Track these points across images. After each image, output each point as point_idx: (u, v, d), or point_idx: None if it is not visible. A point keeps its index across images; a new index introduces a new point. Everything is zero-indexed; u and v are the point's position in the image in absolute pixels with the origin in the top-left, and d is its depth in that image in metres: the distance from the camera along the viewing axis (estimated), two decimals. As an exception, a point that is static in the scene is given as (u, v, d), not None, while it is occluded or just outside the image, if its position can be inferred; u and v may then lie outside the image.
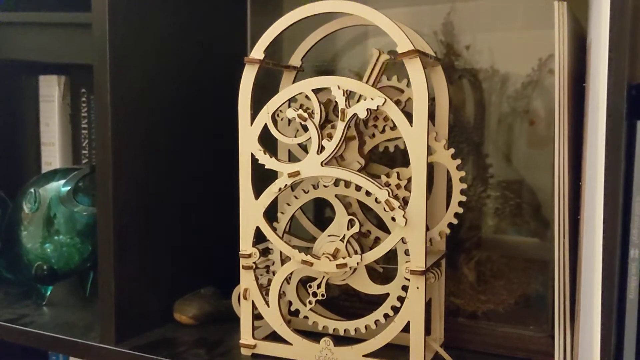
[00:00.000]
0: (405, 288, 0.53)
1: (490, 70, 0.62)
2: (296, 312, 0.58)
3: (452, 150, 0.57)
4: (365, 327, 0.55)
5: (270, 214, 0.58)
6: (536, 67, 0.60)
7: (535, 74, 0.60)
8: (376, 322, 0.55)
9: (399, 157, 0.63)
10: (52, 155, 0.88)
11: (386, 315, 0.54)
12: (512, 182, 0.62)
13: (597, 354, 0.41)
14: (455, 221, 0.58)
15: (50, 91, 0.87)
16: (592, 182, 0.43)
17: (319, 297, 0.56)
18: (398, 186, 0.55)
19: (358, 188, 0.55)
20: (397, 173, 0.55)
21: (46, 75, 0.87)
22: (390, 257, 0.55)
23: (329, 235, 0.56)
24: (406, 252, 0.53)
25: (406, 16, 0.64)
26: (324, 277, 0.56)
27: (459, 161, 0.57)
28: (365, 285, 0.55)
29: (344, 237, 0.55)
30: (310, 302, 0.56)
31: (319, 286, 0.56)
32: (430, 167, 0.59)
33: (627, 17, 0.40)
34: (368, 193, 0.54)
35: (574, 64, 0.47)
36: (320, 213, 0.69)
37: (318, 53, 0.67)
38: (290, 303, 0.59)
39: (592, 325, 0.42)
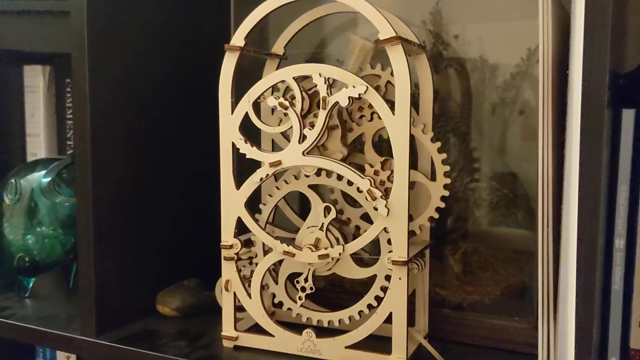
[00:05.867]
0: (388, 278, 0.52)
1: (479, 60, 0.61)
2: (280, 304, 0.58)
3: (431, 134, 0.57)
4: (350, 317, 0.55)
5: (255, 204, 0.57)
6: (525, 57, 0.59)
7: (524, 64, 0.59)
8: (360, 313, 0.54)
9: (385, 147, 0.62)
10: (38, 146, 0.87)
11: (370, 306, 0.54)
12: (499, 172, 0.62)
13: (571, 346, 0.40)
14: (443, 204, 0.57)
15: (35, 81, 0.86)
16: (569, 170, 0.43)
17: (308, 291, 0.55)
18: (382, 182, 0.55)
19: (340, 178, 0.54)
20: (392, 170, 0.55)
21: (31, 66, 0.86)
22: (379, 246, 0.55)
23: (308, 227, 0.55)
24: (389, 242, 0.52)
25: (395, 5, 0.64)
26: (309, 269, 0.55)
27: (439, 144, 0.57)
28: (352, 271, 0.55)
29: (322, 225, 0.54)
30: (300, 298, 0.56)
31: (306, 280, 0.55)
32: (415, 157, 0.58)
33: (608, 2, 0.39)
34: (350, 183, 0.53)
35: (560, 54, 0.46)
36: (305, 204, 0.69)
37: (306, 41, 0.66)
38: (274, 295, 0.58)
39: (568, 316, 0.41)
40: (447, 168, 0.57)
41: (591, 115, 0.40)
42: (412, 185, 0.58)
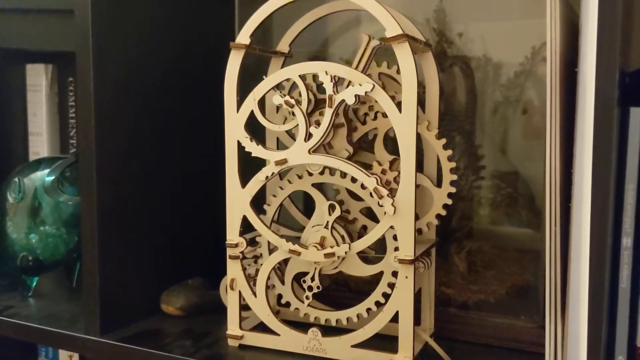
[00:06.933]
0: (395, 274, 0.52)
1: (483, 58, 0.61)
2: (287, 304, 0.57)
3: (443, 141, 0.56)
4: (357, 315, 0.55)
5: (259, 205, 0.57)
6: (529, 55, 0.59)
7: (528, 62, 0.59)
8: (368, 310, 0.54)
9: (390, 146, 0.62)
10: (40, 145, 0.87)
11: (377, 303, 0.54)
12: (504, 171, 0.62)
13: (583, 346, 0.40)
14: (444, 212, 0.57)
15: (38, 80, 0.86)
16: (580, 169, 0.42)
17: (315, 291, 0.55)
18: (388, 182, 0.55)
19: (344, 176, 0.54)
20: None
21: (33, 64, 0.85)
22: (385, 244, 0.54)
23: (313, 226, 0.55)
24: (395, 238, 0.52)
25: (398, 3, 0.63)
26: (315, 268, 0.55)
27: (444, 140, 0.56)
28: (358, 269, 0.54)
29: (327, 223, 0.54)
30: (307, 298, 0.55)
31: (312, 279, 0.55)
32: (421, 156, 0.58)
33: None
34: (354, 181, 0.53)
35: (566, 51, 0.46)
36: (310, 202, 0.68)
37: (310, 39, 0.66)
38: (280, 295, 0.58)
39: (580, 315, 0.41)
40: (454, 177, 0.56)
41: (602, 113, 0.40)
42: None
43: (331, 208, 0.54)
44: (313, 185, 0.56)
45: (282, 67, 0.61)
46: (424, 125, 0.57)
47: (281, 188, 0.57)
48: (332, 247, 0.53)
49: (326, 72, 0.51)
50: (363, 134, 0.59)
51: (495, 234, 0.62)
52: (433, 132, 0.56)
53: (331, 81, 0.51)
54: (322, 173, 0.55)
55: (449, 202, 0.57)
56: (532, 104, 0.60)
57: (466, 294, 0.62)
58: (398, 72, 0.58)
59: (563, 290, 0.46)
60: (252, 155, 0.54)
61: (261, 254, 0.58)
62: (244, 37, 0.54)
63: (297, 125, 0.53)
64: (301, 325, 0.56)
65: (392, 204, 0.50)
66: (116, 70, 0.60)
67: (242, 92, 0.55)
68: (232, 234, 0.56)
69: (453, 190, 0.56)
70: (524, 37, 0.59)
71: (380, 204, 0.51)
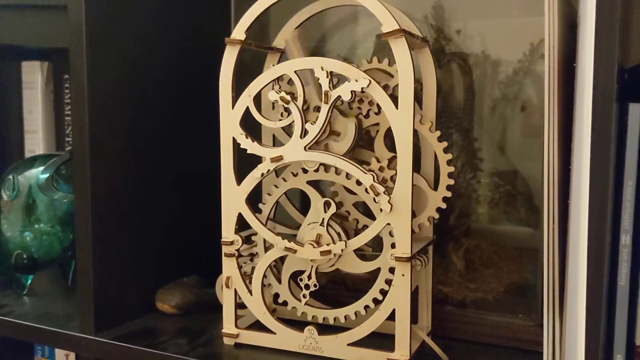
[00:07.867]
0: (392, 271, 0.51)
1: (481, 55, 0.60)
2: (284, 303, 0.57)
3: (444, 144, 0.56)
4: (355, 313, 0.54)
5: (255, 203, 0.56)
6: (528, 52, 0.59)
7: (526, 59, 0.59)
8: (365, 307, 0.54)
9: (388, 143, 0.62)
10: (36, 142, 0.86)
11: (375, 300, 0.53)
12: (502, 169, 0.61)
13: (581, 344, 0.39)
14: (438, 212, 0.57)
15: (33, 78, 0.85)
16: (578, 166, 0.42)
17: (312, 289, 0.55)
18: (384, 180, 0.54)
19: (339, 172, 0.53)
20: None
21: (29, 62, 0.85)
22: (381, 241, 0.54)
23: (309, 224, 0.54)
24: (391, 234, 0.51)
25: None
26: (312, 267, 0.55)
27: (445, 144, 0.56)
28: (355, 266, 0.54)
29: (323, 221, 0.53)
30: (304, 296, 0.55)
31: (309, 277, 0.55)
32: (418, 153, 0.58)
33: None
34: (350, 177, 0.53)
35: (564, 48, 0.46)
36: (307, 199, 0.68)
37: (307, 35, 0.65)
38: (277, 294, 0.58)
39: (578, 313, 0.41)
40: (451, 181, 0.56)
41: (601, 109, 0.39)
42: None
43: (326, 205, 0.53)
44: (308, 182, 0.55)
45: (278, 63, 0.61)
46: (426, 126, 0.56)
47: (276, 186, 0.56)
48: (328, 244, 0.53)
49: (322, 67, 0.50)
50: (363, 130, 0.58)
51: (493, 232, 0.62)
52: (435, 134, 0.56)
53: (327, 77, 0.50)
54: (317, 170, 0.54)
55: (443, 205, 0.56)
56: (531, 102, 0.59)
57: (464, 292, 0.61)
58: (380, 61, 0.58)
59: (561, 289, 0.46)
60: (247, 152, 0.54)
61: (257, 252, 0.57)
62: (239, 32, 0.53)
63: (293, 121, 0.52)
64: (297, 324, 0.56)
65: (388, 201, 0.50)
66: (111, 67, 0.60)
67: (239, 89, 0.54)
68: (228, 231, 0.56)
69: (449, 194, 0.56)
70: (522, 34, 0.58)
71: (376, 200, 0.50)
